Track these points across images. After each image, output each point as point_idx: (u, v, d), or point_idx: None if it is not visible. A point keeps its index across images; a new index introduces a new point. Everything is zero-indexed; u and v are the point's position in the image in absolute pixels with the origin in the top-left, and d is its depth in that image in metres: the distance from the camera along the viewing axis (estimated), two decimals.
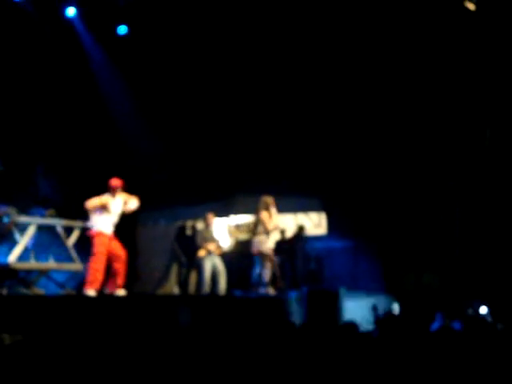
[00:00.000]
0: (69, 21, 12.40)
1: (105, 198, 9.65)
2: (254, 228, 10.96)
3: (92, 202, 9.56)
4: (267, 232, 10.78)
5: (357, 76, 12.37)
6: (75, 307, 7.75)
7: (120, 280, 9.59)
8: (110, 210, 9.66)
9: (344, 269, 11.32)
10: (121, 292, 9.47)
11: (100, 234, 9.56)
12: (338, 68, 12.48)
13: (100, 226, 9.60)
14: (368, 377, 5.20)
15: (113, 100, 13.06)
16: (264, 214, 10.80)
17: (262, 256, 10.68)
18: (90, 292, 9.10)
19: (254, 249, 10.77)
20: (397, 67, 11.97)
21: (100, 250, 9.49)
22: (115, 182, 9.74)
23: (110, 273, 9.56)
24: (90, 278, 9.35)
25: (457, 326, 7.46)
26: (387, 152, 12.24)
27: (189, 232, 12.84)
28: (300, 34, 12.38)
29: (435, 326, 7.60)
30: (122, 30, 12.76)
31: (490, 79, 11.29)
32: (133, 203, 9.82)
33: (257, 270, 10.73)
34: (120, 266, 9.59)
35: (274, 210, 10.88)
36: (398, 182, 12.08)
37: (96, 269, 9.40)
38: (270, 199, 10.94)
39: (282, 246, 13.27)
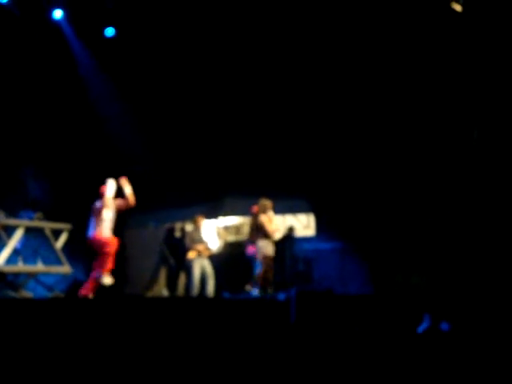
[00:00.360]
0: (56, 23, 12.39)
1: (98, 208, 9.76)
2: (254, 232, 11.00)
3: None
4: (268, 235, 10.84)
5: (344, 79, 12.40)
6: (64, 310, 7.74)
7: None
8: (102, 217, 9.71)
9: (332, 270, 11.33)
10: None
11: (109, 239, 9.81)
12: (325, 72, 12.51)
13: (106, 232, 9.76)
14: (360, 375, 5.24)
15: (101, 102, 13.06)
16: (263, 218, 10.88)
17: (265, 259, 10.74)
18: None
19: (259, 253, 10.83)
20: (383, 68, 12.00)
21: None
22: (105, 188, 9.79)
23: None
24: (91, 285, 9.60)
25: (444, 327, 7.50)
26: (375, 153, 12.26)
27: (178, 234, 12.84)
28: (290, 33, 12.41)
29: (423, 327, 7.63)
30: (110, 32, 12.76)
31: (479, 78, 11.34)
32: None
33: (258, 273, 10.78)
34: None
35: (271, 212, 10.93)
36: (386, 184, 12.10)
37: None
38: (268, 202, 11.01)
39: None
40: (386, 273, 11.79)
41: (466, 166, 11.35)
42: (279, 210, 14.23)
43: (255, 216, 11.24)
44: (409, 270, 11.60)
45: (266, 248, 10.83)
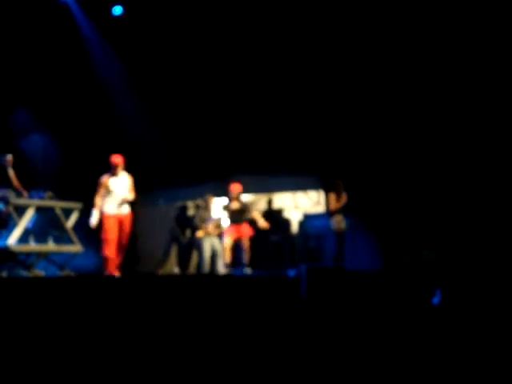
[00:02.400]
0: (63, 2, 12.35)
1: (104, 179, 9.76)
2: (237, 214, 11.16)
3: (98, 190, 9.68)
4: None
5: (358, 57, 12.33)
6: (75, 289, 7.78)
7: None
8: (110, 189, 9.73)
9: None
10: (115, 273, 9.66)
11: (107, 217, 9.69)
12: (335, 46, 12.43)
13: (106, 208, 9.72)
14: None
15: (109, 81, 13.03)
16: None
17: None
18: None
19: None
20: (398, 45, 11.94)
21: (109, 237, 9.65)
22: (116, 159, 9.82)
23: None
24: (107, 266, 9.68)
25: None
26: (385, 128, 12.21)
27: (190, 212, 12.87)
28: (295, 16, 12.34)
29: (435, 301, 7.62)
30: (117, 10, 12.71)
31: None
32: (130, 196, 9.89)
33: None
34: (125, 245, 9.87)
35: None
36: (397, 158, 12.06)
37: (108, 256, 9.70)
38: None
39: (281, 224, 13.31)
40: (396, 248, 11.79)
41: (478, 140, 11.29)
42: (289, 187, 14.24)
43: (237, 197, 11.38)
44: (419, 245, 11.59)
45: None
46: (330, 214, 11.22)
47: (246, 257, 11.12)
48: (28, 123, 12.39)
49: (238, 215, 11.27)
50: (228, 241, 11.10)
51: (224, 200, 12.39)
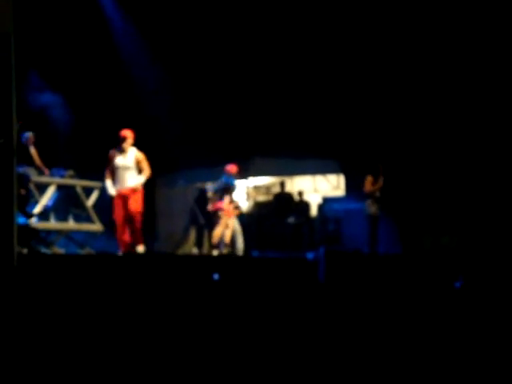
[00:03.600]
0: None
1: (111, 154, 9.72)
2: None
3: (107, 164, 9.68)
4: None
5: (373, 40, 12.26)
6: (95, 266, 7.83)
7: (137, 236, 9.71)
8: (115, 164, 9.67)
9: (362, 230, 11.31)
10: (140, 248, 9.59)
11: (114, 197, 9.68)
12: (353, 34, 12.38)
13: (114, 186, 9.69)
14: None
15: (129, 57, 12.99)
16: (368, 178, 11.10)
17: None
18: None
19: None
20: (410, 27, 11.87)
21: (114, 216, 9.67)
22: (123, 132, 9.73)
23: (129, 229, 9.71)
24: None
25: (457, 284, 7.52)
26: (405, 113, 12.15)
27: (209, 194, 12.88)
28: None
29: (457, 285, 7.60)
30: None
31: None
32: (140, 178, 9.74)
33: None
34: (134, 223, 9.67)
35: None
36: (416, 143, 12.01)
37: (117, 235, 9.68)
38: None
39: (300, 207, 13.32)
40: (415, 233, 11.76)
41: (499, 125, 11.22)
42: (309, 170, 14.22)
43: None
44: (439, 230, 11.55)
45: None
46: (364, 196, 11.14)
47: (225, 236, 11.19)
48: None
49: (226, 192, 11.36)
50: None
51: (244, 181, 12.44)
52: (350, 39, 12.38)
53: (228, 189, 11.30)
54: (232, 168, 11.41)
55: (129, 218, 9.63)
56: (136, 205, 9.65)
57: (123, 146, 9.66)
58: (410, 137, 12.09)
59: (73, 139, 12.36)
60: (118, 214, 9.65)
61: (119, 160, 9.68)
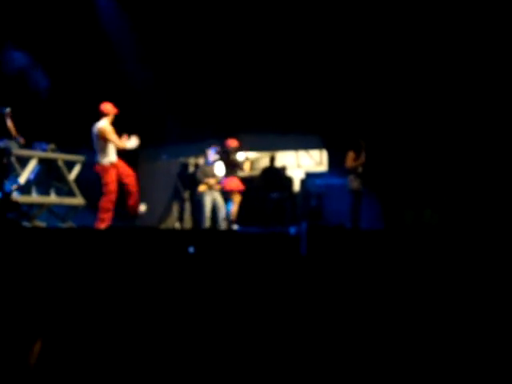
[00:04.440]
0: None
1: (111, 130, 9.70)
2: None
3: (113, 136, 9.60)
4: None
5: (358, 17, 12.23)
6: (76, 240, 7.81)
7: (136, 197, 9.89)
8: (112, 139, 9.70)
9: (344, 206, 11.35)
10: (142, 208, 9.66)
11: (112, 166, 9.66)
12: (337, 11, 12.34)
13: (111, 157, 9.68)
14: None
15: (114, 30, 12.91)
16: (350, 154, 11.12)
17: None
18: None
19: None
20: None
21: (112, 188, 9.62)
22: (109, 107, 9.76)
23: (125, 193, 9.73)
24: (101, 216, 9.58)
25: None
26: (388, 88, 12.17)
27: (191, 169, 12.87)
28: None
29: None
30: None
31: None
32: (133, 142, 9.81)
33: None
34: (132, 184, 9.84)
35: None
36: (398, 118, 12.04)
37: (108, 208, 9.62)
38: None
39: (283, 182, 13.32)
40: (397, 209, 11.82)
41: (482, 100, 11.25)
42: (292, 145, 14.24)
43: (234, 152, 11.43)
44: (421, 205, 11.61)
45: None
46: (346, 171, 11.19)
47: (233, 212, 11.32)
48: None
49: (232, 169, 11.40)
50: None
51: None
52: (334, 14, 12.35)
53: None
54: (233, 142, 11.52)
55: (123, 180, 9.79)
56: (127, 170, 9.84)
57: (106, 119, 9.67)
58: (392, 112, 12.11)
59: (54, 113, 12.27)
60: (115, 190, 9.72)
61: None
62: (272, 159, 13.53)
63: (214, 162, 11.38)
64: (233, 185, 11.46)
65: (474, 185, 11.27)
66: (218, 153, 11.43)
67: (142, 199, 12.81)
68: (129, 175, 9.83)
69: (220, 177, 11.46)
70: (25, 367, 4.04)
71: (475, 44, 11.30)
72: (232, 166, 11.51)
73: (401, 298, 5.71)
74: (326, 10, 12.38)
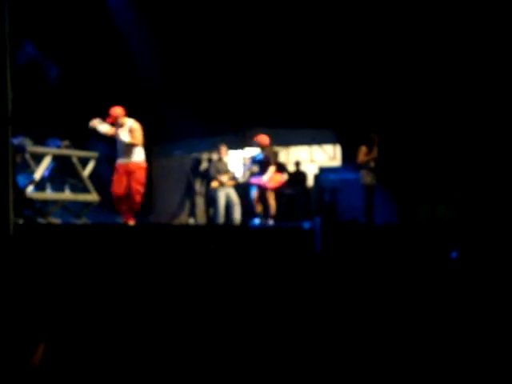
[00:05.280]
0: None
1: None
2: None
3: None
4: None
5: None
6: (91, 236, 7.84)
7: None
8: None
9: (358, 201, 11.33)
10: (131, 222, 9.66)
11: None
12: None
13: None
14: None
15: (127, 27, 12.90)
16: (362, 149, 11.08)
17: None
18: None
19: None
20: None
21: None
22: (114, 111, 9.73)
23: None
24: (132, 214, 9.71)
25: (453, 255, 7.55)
26: (402, 82, 12.12)
27: (204, 164, 12.86)
28: None
29: (454, 255, 7.62)
30: None
31: None
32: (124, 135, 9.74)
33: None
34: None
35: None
36: (412, 113, 12.00)
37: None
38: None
39: (297, 177, 13.31)
40: (411, 204, 11.78)
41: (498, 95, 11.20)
42: (305, 140, 14.22)
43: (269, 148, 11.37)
44: (435, 200, 11.58)
45: None
46: (357, 166, 11.17)
47: (270, 208, 11.20)
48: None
49: (265, 166, 11.29)
50: (255, 191, 11.22)
51: (240, 152, 12.40)
52: (348, 8, 12.31)
53: (266, 162, 11.30)
54: (264, 140, 11.35)
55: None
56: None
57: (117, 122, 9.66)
58: (405, 106, 12.07)
59: (68, 109, 12.27)
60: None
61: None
62: (286, 155, 13.53)
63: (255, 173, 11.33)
64: (276, 181, 11.36)
65: (489, 180, 11.22)
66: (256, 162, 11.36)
67: (154, 195, 12.88)
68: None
69: (233, 173, 11.43)
70: (28, 369, 4.05)
71: (494, 36, 11.22)
72: (265, 164, 11.36)
73: (415, 293, 5.70)
74: (339, 4, 12.32)
